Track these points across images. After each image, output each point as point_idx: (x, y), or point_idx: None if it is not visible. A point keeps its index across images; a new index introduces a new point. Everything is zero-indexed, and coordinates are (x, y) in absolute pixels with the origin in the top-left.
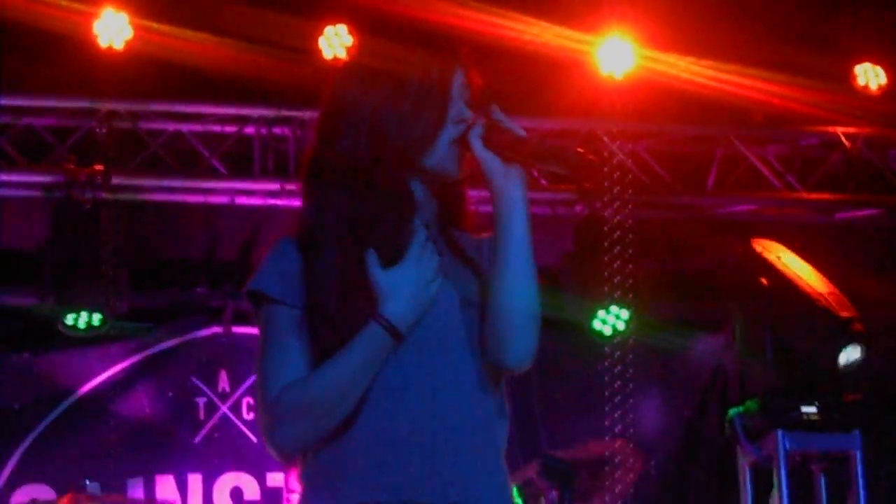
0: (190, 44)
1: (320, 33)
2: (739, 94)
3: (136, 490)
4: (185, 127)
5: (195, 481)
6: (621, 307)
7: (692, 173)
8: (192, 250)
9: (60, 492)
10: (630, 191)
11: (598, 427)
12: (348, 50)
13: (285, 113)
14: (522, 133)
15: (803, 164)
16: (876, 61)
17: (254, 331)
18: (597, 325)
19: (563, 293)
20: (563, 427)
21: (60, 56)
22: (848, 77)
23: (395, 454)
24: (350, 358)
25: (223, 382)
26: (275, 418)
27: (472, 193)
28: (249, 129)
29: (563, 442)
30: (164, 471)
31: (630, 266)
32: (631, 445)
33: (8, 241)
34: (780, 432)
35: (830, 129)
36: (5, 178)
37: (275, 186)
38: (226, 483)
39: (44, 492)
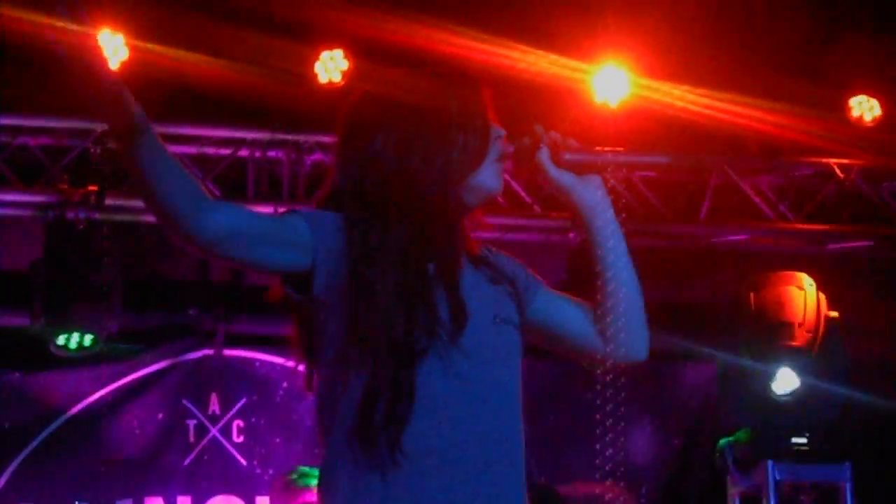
0: (186, 66)
1: (316, 58)
2: (734, 123)
3: None
4: (179, 149)
5: None
6: None
7: (685, 202)
8: (184, 272)
9: None
10: (622, 220)
11: (588, 456)
12: (344, 74)
13: (280, 136)
14: (577, 145)
15: (797, 195)
16: (871, 93)
17: (245, 354)
18: None
19: None
20: (552, 455)
21: (56, 76)
22: (843, 108)
23: (430, 464)
24: None
25: (214, 405)
26: None
27: None
28: (244, 152)
29: (552, 469)
30: (153, 493)
31: None
32: (622, 485)
33: (0, 260)
34: (769, 462)
35: (824, 159)
36: None
37: (269, 209)
38: None
39: None
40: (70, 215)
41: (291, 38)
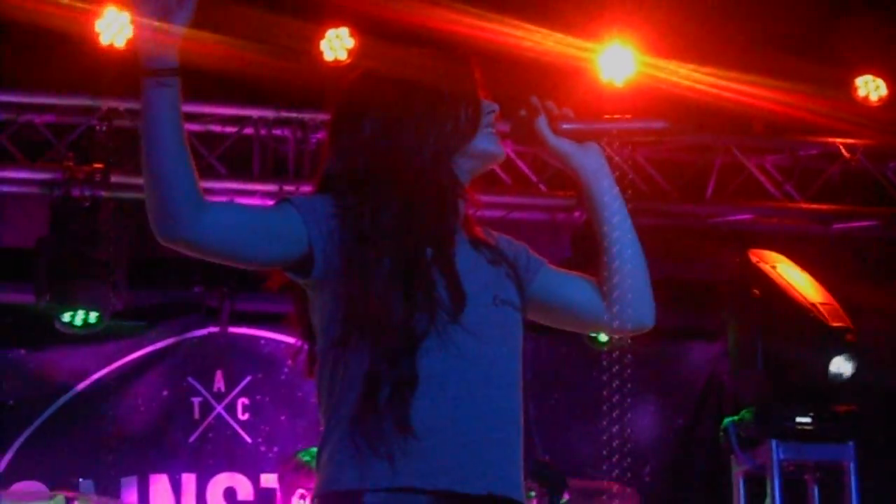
0: (191, 44)
1: (322, 36)
2: (740, 102)
3: (130, 488)
4: (184, 126)
5: (189, 481)
6: None
7: (691, 182)
8: None
9: (54, 489)
10: (628, 198)
11: (592, 435)
12: (350, 52)
13: (285, 114)
14: (572, 115)
15: (802, 175)
16: (877, 73)
17: (250, 331)
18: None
19: None
20: (557, 434)
21: (61, 53)
22: (848, 88)
23: (433, 442)
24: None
25: (219, 382)
26: None
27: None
28: (249, 130)
29: (555, 447)
30: (158, 470)
31: None
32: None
33: (6, 237)
34: (773, 442)
35: (830, 139)
36: (4, 174)
37: (274, 188)
38: (219, 483)
39: (37, 489)
40: (75, 193)
41: (297, 16)
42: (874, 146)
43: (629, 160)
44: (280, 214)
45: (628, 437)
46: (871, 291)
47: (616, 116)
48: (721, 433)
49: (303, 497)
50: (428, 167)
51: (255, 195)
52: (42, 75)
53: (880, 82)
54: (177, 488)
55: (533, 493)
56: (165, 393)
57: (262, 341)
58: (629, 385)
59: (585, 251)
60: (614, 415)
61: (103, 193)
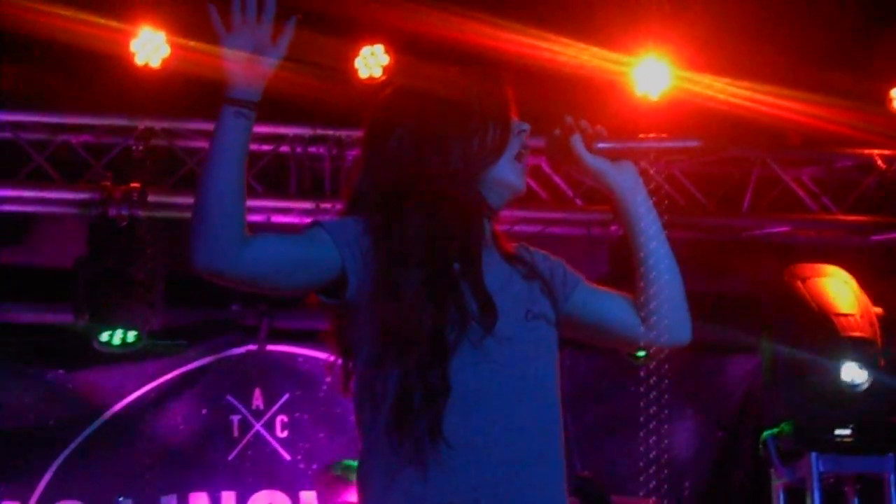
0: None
1: (357, 53)
2: (775, 115)
3: None
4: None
5: (228, 499)
6: None
7: (728, 195)
8: None
9: None
10: (665, 212)
11: (632, 449)
12: (384, 69)
13: (321, 132)
14: (606, 133)
15: (839, 186)
16: None
17: (288, 349)
18: None
19: None
20: (596, 448)
21: (98, 74)
22: (884, 100)
23: (470, 459)
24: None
25: (257, 400)
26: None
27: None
28: (285, 148)
29: (594, 463)
30: (197, 488)
31: None
32: None
33: (44, 258)
34: (813, 454)
35: (866, 151)
36: (42, 195)
37: (310, 205)
38: (259, 501)
39: None
40: (113, 212)
41: (332, 34)
42: None
43: (665, 173)
44: (313, 241)
45: (667, 451)
46: None
47: (651, 135)
48: (760, 446)
49: None
50: (451, 184)
51: (292, 213)
52: (78, 96)
53: None
54: None
55: None
56: (204, 411)
57: (300, 358)
58: (668, 399)
59: (623, 265)
60: (653, 429)
61: (140, 213)
